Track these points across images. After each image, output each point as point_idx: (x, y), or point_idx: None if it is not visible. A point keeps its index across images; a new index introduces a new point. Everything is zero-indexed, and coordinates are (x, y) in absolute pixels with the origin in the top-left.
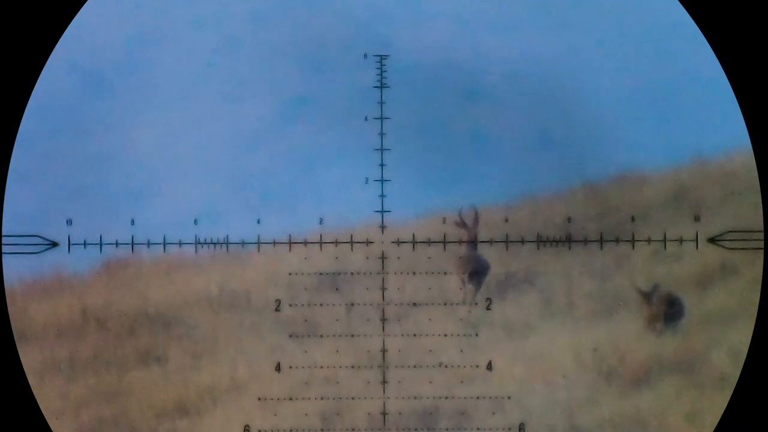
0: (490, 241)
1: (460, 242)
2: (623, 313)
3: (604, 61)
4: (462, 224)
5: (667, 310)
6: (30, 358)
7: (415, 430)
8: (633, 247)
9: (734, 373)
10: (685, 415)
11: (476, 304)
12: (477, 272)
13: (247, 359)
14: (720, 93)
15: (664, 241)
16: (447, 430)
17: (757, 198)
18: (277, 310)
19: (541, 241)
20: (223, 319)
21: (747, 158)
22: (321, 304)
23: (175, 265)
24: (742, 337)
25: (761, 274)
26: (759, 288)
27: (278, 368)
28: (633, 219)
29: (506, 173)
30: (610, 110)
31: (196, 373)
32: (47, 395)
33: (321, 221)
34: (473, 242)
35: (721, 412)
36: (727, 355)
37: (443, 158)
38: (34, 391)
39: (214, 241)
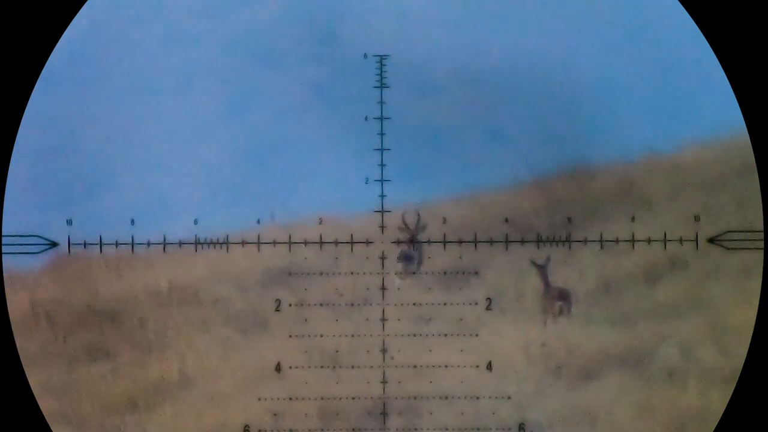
0: (494, 242)
1: (399, 242)
2: (572, 308)
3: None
4: (404, 227)
5: (559, 302)
6: None
7: (416, 429)
8: (633, 247)
9: (685, 367)
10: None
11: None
12: (406, 256)
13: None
14: (712, 84)
15: (664, 241)
16: (447, 429)
17: (757, 198)
18: (277, 310)
19: (540, 241)
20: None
21: (747, 158)
22: (321, 304)
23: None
24: (691, 332)
25: (712, 268)
26: (710, 283)
27: (278, 368)
28: (633, 219)
29: (506, 174)
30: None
31: (145, 369)
32: None
33: (320, 221)
34: (412, 242)
35: (676, 406)
36: (676, 349)
37: (444, 158)
38: None
39: (214, 240)
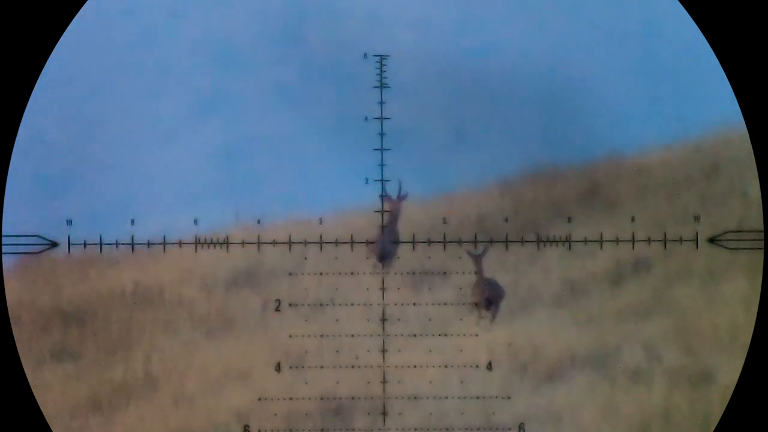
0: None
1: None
2: (537, 308)
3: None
4: (387, 197)
5: (489, 294)
6: None
7: (415, 430)
8: (633, 248)
9: (650, 367)
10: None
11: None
12: (384, 253)
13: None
14: (709, 81)
15: (664, 241)
16: (447, 429)
17: (757, 198)
18: (277, 310)
19: (540, 241)
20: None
21: (746, 159)
22: (321, 304)
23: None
24: (656, 332)
25: (676, 268)
26: (672, 284)
27: (278, 368)
28: (633, 219)
29: (505, 174)
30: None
31: (110, 370)
32: None
33: (321, 221)
34: (395, 218)
35: (641, 406)
36: (641, 349)
37: (444, 158)
38: None
39: (214, 241)
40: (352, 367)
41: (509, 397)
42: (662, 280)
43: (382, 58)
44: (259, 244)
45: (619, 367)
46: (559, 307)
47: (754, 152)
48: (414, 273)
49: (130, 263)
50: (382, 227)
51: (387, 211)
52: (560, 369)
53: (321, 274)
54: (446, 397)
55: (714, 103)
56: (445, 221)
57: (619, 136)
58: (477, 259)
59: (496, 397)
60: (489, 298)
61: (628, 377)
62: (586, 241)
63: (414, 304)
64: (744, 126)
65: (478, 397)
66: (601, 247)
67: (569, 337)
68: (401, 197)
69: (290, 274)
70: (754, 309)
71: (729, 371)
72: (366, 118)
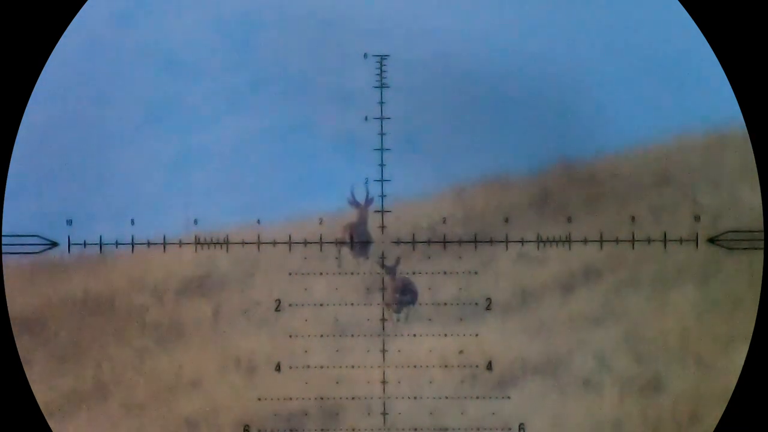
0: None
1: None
2: (489, 316)
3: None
4: (354, 202)
5: (401, 297)
6: None
7: (416, 430)
8: (633, 247)
9: (600, 377)
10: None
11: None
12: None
13: (112, 364)
14: (709, 86)
15: (664, 241)
16: (446, 429)
17: (757, 198)
18: (277, 310)
19: (540, 241)
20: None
21: (746, 159)
22: (321, 304)
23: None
24: (607, 340)
25: (628, 275)
26: (629, 291)
27: (278, 368)
28: (633, 219)
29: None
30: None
31: (59, 378)
32: None
33: (321, 221)
34: (364, 222)
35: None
36: (592, 358)
37: (443, 157)
38: None
39: (211, 240)
40: (352, 367)
41: (509, 397)
42: (612, 286)
43: (381, 58)
44: (258, 244)
45: (571, 375)
46: (512, 314)
47: (754, 152)
48: (414, 273)
49: (82, 270)
50: (382, 228)
51: (388, 211)
52: (511, 377)
53: (321, 274)
54: (446, 397)
55: (710, 103)
56: (444, 221)
57: (616, 136)
58: (390, 271)
59: (497, 397)
60: (400, 301)
61: (579, 385)
62: (586, 240)
63: (413, 303)
64: (744, 126)
65: (478, 397)
66: (601, 248)
67: (520, 344)
68: (368, 202)
69: (290, 273)
70: (706, 316)
71: (680, 379)
72: (366, 118)
